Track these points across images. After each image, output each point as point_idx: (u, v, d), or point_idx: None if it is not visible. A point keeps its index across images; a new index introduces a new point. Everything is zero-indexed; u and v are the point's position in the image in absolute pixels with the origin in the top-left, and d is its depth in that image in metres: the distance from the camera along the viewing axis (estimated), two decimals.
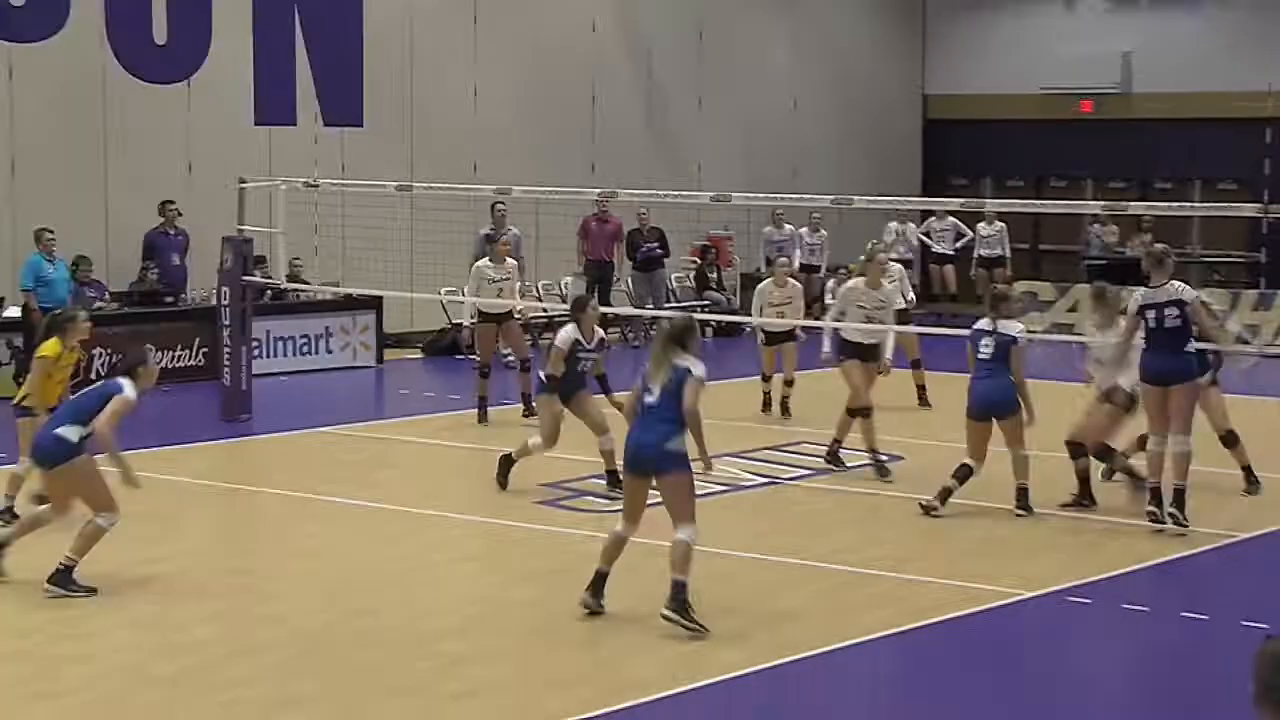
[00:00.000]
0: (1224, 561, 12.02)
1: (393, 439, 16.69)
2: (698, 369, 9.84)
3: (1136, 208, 18.81)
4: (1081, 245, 27.51)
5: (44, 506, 11.05)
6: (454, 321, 22.78)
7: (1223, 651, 9.67)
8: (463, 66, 24.23)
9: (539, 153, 24.47)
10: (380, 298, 21.22)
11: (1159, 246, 13.12)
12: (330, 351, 21.42)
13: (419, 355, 22.84)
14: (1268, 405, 18.65)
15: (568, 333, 13.54)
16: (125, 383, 10.82)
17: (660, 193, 20.64)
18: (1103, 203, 19.42)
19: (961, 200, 17.95)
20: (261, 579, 11.28)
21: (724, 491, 13.96)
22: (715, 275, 26.43)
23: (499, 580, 11.45)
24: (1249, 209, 18.72)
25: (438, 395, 19.45)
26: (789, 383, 17.60)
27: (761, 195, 20.05)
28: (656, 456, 9.78)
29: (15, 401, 12.55)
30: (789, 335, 17.66)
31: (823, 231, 26.31)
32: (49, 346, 12.25)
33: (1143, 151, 28.63)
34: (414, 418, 17.90)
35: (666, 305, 24.18)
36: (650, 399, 9.85)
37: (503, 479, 13.81)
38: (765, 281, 17.98)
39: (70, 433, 10.66)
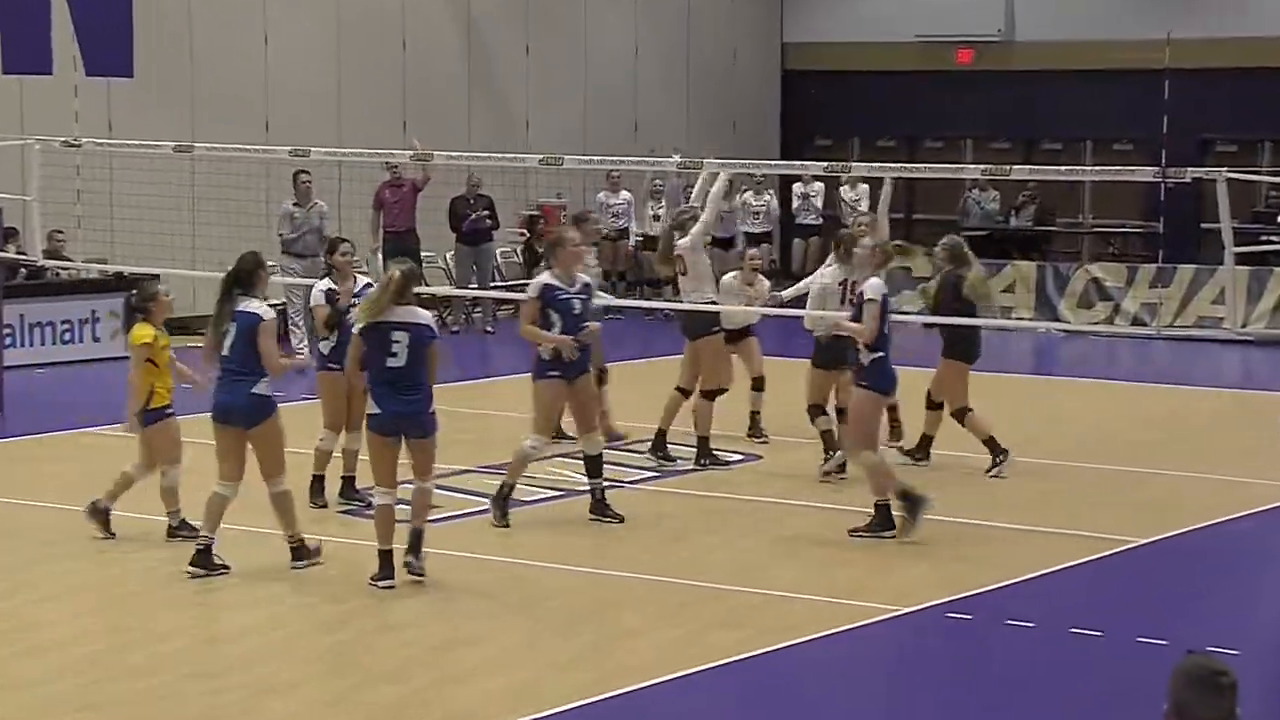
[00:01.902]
0: (1099, 573, 12.26)
1: None
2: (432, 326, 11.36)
3: (1020, 171, 19.16)
4: (960, 214, 27.90)
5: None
6: None
7: (1123, 670, 9.92)
8: (251, 8, 24.02)
9: (341, 109, 24.34)
10: (156, 276, 20.91)
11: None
12: (97, 339, 21.14)
13: (203, 343, 22.52)
14: (1180, 393, 19.17)
15: (320, 287, 13.72)
16: (254, 306, 11.63)
17: (483, 156, 20.59)
18: (983, 166, 19.77)
19: (825, 164, 18.16)
20: (20, 605, 11.12)
21: (557, 498, 14.04)
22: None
23: (298, 601, 11.42)
24: (1146, 173, 19.17)
25: None
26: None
27: (599, 157, 20.06)
28: (427, 423, 11.24)
29: (138, 409, 12.59)
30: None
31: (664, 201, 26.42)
32: (141, 334, 12.12)
33: (1028, 108, 29.12)
34: (196, 416, 17.65)
35: (491, 285, 24.16)
36: (396, 362, 11.03)
37: (318, 500, 13.74)
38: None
39: (264, 387, 11.61)
